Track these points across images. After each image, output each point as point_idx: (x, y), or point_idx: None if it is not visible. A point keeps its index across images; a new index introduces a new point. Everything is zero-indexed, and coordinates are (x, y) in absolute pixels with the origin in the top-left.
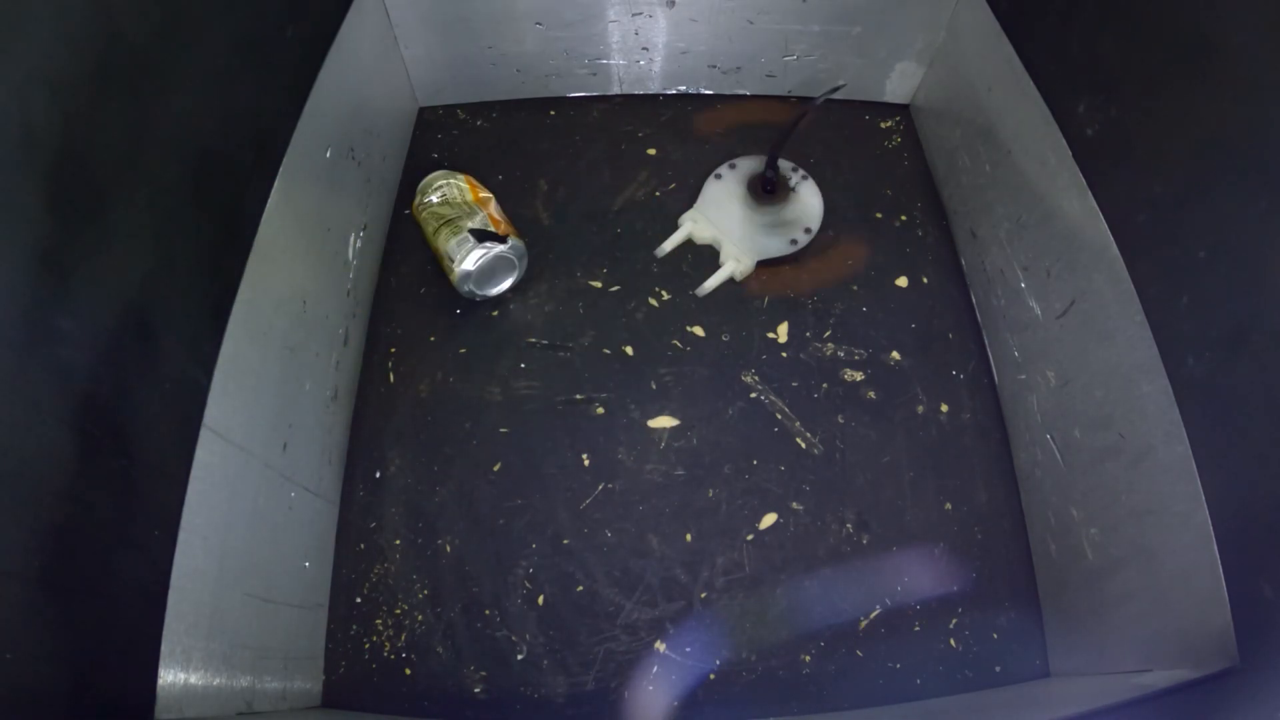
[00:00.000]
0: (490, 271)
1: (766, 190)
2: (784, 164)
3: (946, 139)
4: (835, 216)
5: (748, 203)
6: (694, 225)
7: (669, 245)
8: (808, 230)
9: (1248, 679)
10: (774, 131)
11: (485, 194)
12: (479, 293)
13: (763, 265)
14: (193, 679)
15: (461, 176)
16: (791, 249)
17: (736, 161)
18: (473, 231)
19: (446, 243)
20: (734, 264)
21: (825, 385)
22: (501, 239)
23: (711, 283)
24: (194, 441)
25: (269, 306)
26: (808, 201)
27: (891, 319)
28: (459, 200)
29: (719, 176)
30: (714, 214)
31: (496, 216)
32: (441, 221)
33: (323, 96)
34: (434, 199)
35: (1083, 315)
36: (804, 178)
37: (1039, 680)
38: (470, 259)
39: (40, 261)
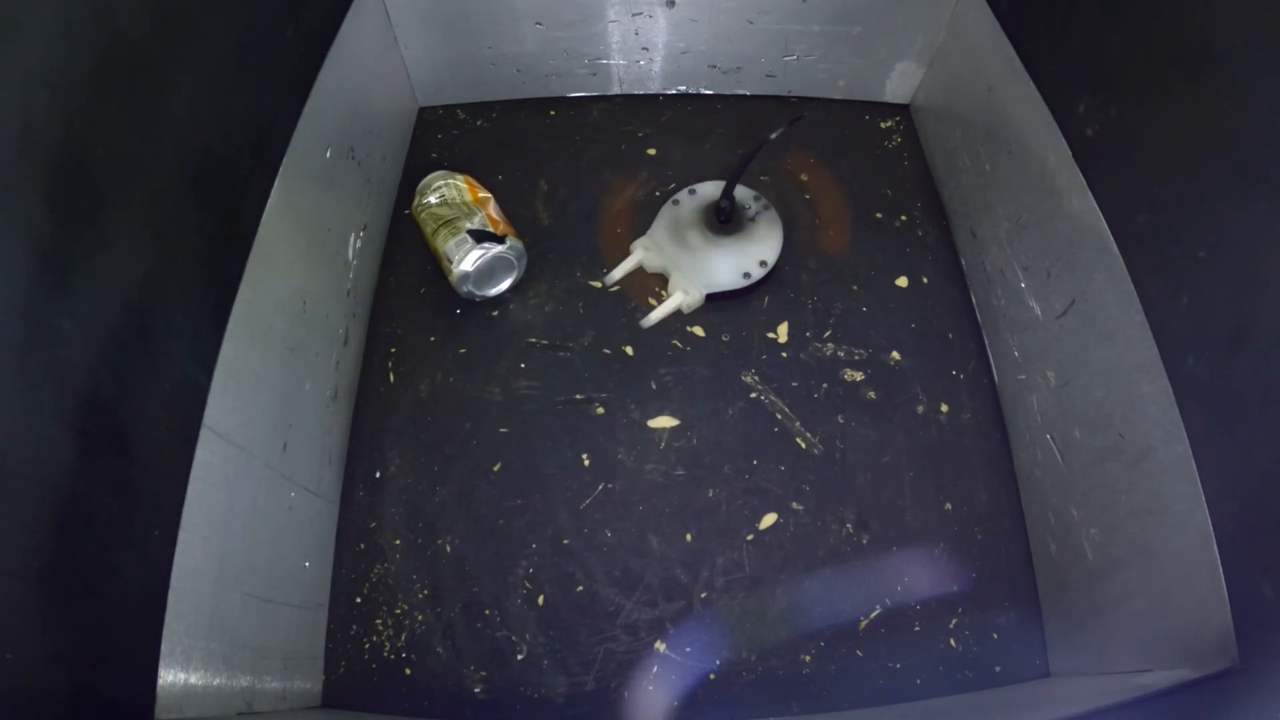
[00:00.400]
0: (489, 272)
1: (721, 220)
2: (746, 192)
3: (946, 139)
4: (835, 216)
5: (702, 232)
6: (645, 253)
7: (618, 273)
8: (763, 264)
9: (1248, 679)
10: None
11: (484, 194)
12: (478, 293)
13: (715, 300)
14: (193, 679)
15: (460, 177)
16: (744, 283)
17: (697, 187)
18: (471, 232)
19: (445, 243)
20: (681, 295)
21: (825, 385)
22: (500, 239)
23: (656, 315)
24: (194, 441)
25: (269, 306)
26: (766, 233)
27: (891, 319)
28: (458, 201)
29: (676, 203)
30: (666, 242)
31: (495, 217)
32: (440, 222)
33: (323, 96)
34: (433, 199)
35: (1083, 315)
36: (765, 207)
37: (1039, 680)
38: (468, 260)
39: (40, 261)
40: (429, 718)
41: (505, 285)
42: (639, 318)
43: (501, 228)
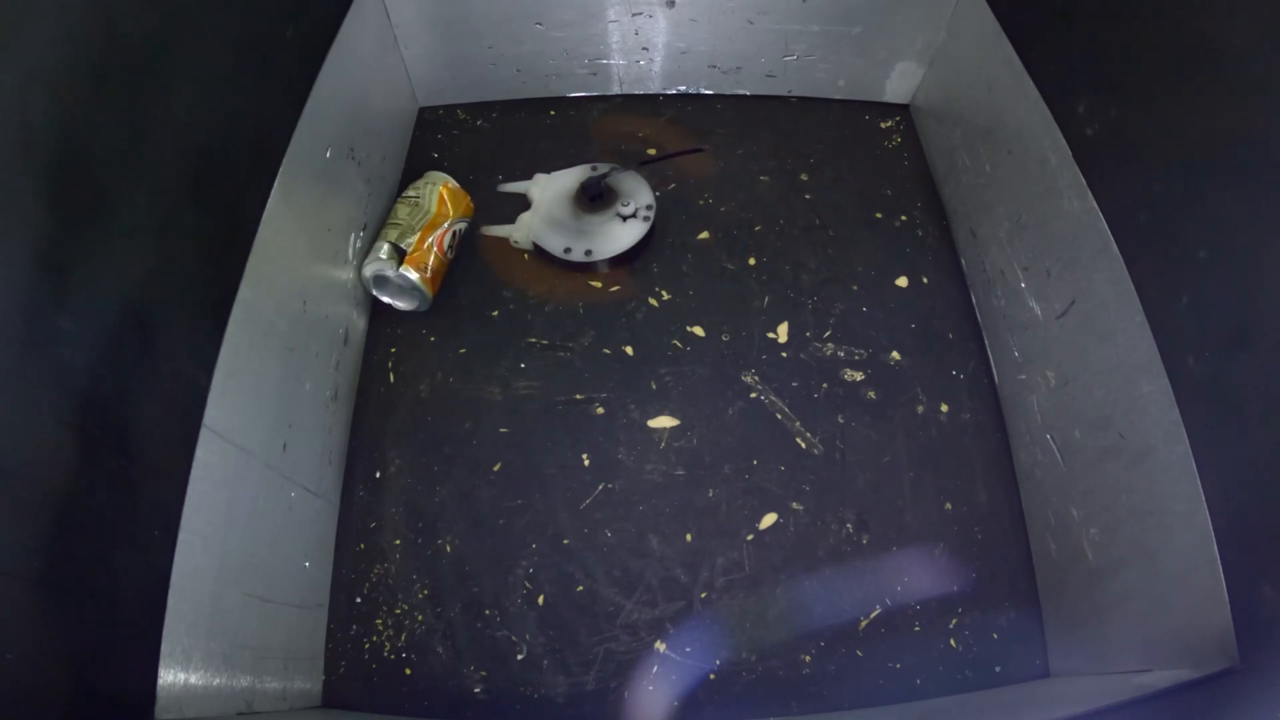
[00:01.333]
0: (383, 285)
1: (589, 197)
2: (647, 195)
3: (946, 139)
4: (836, 216)
5: (569, 198)
6: (534, 185)
7: (509, 187)
8: (588, 253)
9: (1248, 679)
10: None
11: (450, 217)
12: (378, 295)
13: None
14: (193, 679)
15: (442, 187)
16: (564, 256)
17: (621, 172)
18: (391, 244)
19: (377, 240)
20: (514, 229)
21: (825, 385)
22: (397, 265)
23: (490, 230)
24: (194, 441)
25: (269, 306)
26: (615, 234)
27: (891, 319)
28: (421, 209)
29: (595, 169)
30: (550, 187)
31: (436, 243)
32: (390, 221)
33: (323, 96)
34: (407, 193)
35: (1083, 315)
36: (645, 219)
37: (1039, 680)
38: (368, 265)
39: (40, 261)
40: (429, 718)
41: (401, 307)
42: (640, 318)
43: (420, 257)
